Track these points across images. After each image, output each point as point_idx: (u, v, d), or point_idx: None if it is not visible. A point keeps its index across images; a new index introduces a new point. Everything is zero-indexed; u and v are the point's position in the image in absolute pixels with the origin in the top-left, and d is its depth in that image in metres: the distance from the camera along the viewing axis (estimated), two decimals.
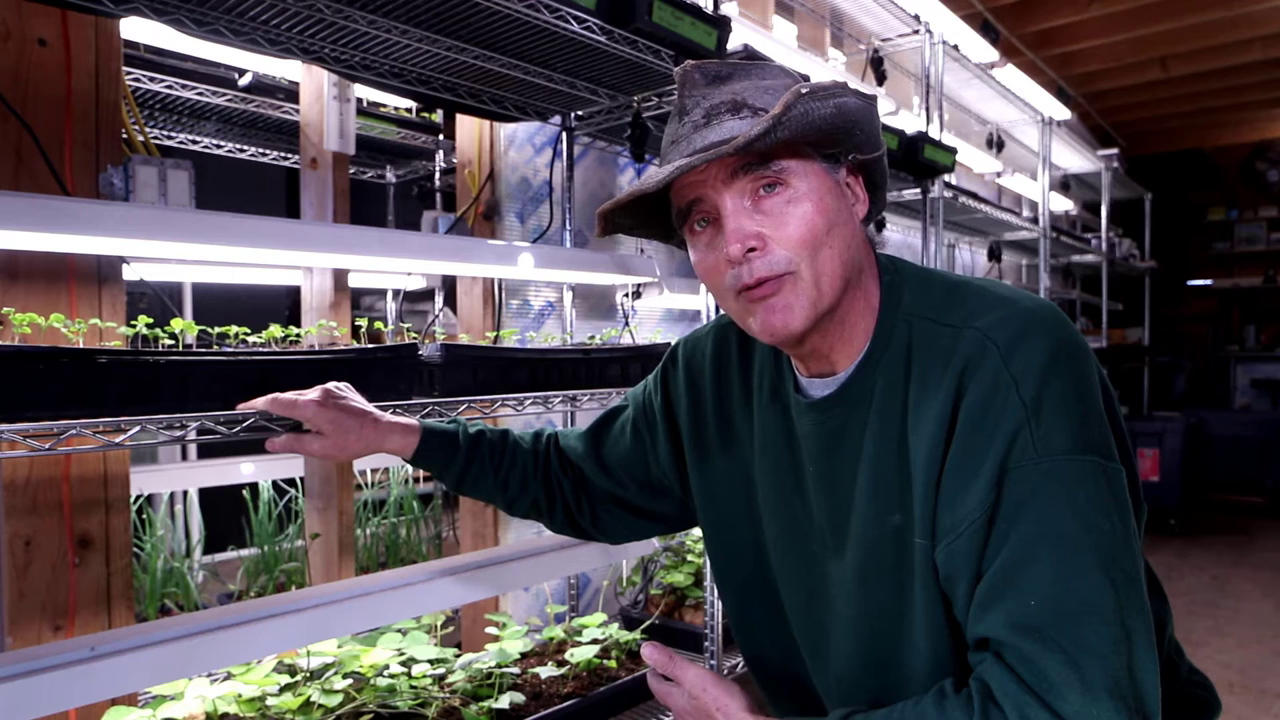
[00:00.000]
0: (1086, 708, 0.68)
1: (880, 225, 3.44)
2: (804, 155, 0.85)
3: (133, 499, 1.52)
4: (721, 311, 1.00)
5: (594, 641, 1.84)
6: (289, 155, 2.54)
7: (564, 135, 2.31)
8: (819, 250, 0.84)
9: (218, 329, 1.33)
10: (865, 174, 0.93)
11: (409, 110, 2.53)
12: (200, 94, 2.06)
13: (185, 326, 1.28)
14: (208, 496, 2.21)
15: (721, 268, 0.87)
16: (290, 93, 2.16)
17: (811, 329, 0.87)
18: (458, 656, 1.74)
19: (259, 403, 1.13)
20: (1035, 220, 4.48)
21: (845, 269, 0.87)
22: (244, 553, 2.10)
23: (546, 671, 1.72)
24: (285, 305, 2.78)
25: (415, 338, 1.71)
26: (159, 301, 1.86)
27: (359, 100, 2.22)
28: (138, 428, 1.08)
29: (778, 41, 2.54)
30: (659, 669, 0.91)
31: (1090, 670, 0.69)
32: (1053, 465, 0.75)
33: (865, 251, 0.92)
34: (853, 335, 0.91)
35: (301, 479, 2.08)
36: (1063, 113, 4.55)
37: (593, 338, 2.16)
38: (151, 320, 1.26)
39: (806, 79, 0.91)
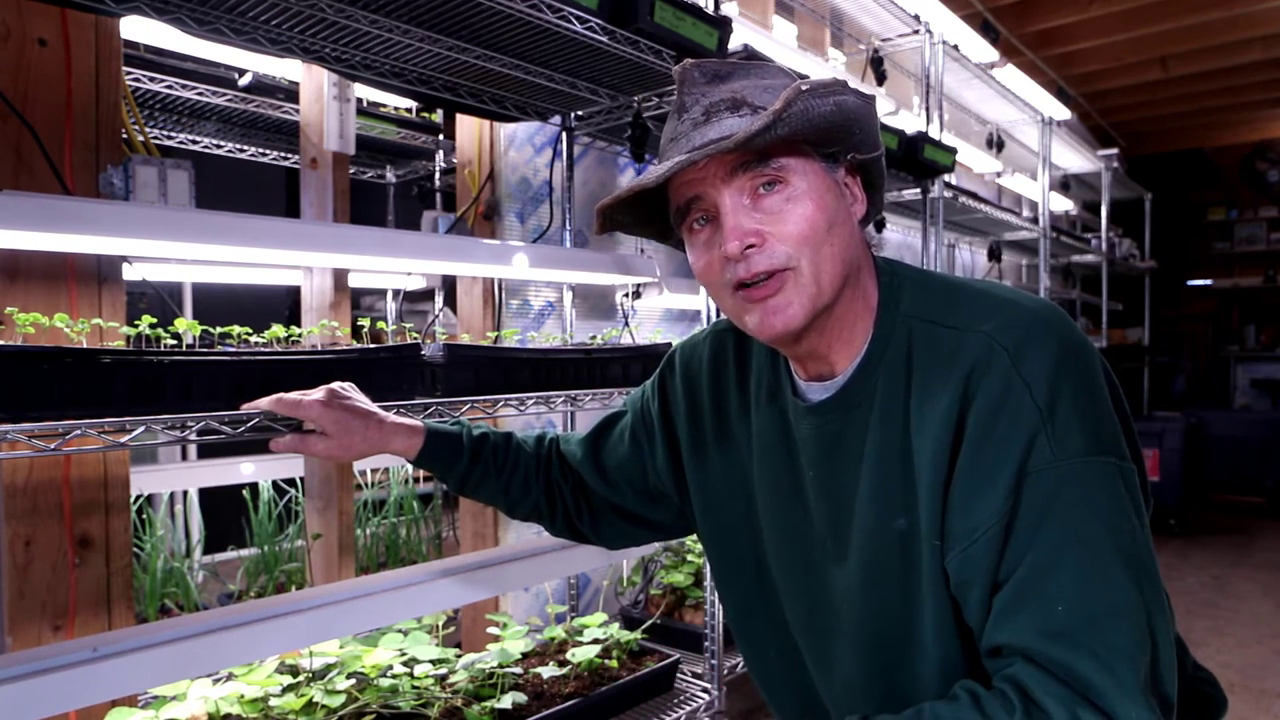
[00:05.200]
0: (1127, 710, 0.68)
1: (880, 225, 3.44)
2: (803, 153, 0.85)
3: (133, 499, 1.52)
4: (720, 315, 0.99)
5: (595, 641, 1.84)
6: (289, 155, 2.54)
7: (564, 135, 2.31)
8: (819, 247, 0.84)
9: (219, 329, 1.33)
10: (863, 174, 0.92)
11: (409, 110, 2.53)
12: (200, 94, 2.06)
13: (189, 326, 1.28)
14: (208, 496, 2.20)
15: (719, 265, 0.86)
16: (290, 93, 2.16)
17: (810, 327, 0.86)
18: (459, 656, 1.74)
19: (263, 403, 1.13)
20: (1035, 220, 4.48)
21: (844, 267, 0.87)
22: (244, 553, 2.10)
23: (548, 671, 1.72)
24: (285, 305, 2.78)
25: (416, 338, 1.71)
26: (158, 301, 1.86)
27: (359, 100, 2.22)
28: (142, 428, 1.08)
29: (778, 41, 2.54)
30: None
31: (1123, 673, 0.69)
32: (1071, 468, 0.75)
33: (863, 252, 0.92)
34: (852, 336, 0.90)
35: (301, 479, 2.08)
36: (1063, 113, 4.55)
37: (593, 338, 2.16)
38: (154, 320, 1.26)
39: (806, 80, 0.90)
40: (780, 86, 0.86)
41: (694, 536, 2.42)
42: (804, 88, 0.80)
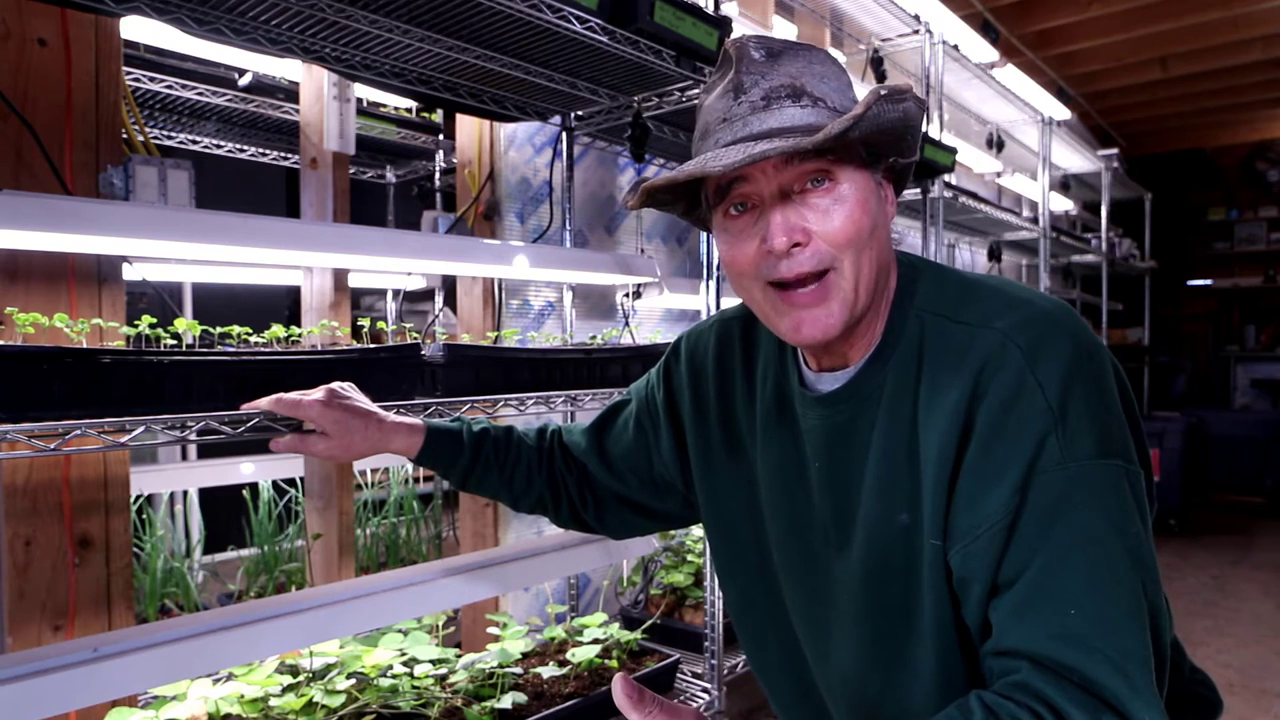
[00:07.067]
0: (1140, 712, 0.68)
1: None
2: (854, 153, 0.84)
3: (133, 499, 1.52)
4: (723, 306, 0.98)
5: (595, 641, 1.84)
6: (289, 155, 2.54)
7: (564, 135, 2.31)
8: (861, 251, 0.83)
9: (219, 329, 1.33)
10: (896, 177, 0.93)
11: (409, 110, 2.53)
12: (200, 94, 2.06)
13: (189, 326, 1.28)
14: (208, 496, 2.21)
15: (756, 257, 0.85)
16: (290, 93, 2.16)
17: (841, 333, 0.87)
18: (459, 656, 1.74)
19: (263, 403, 1.13)
20: (1035, 220, 4.48)
21: (879, 271, 0.86)
22: (244, 553, 2.10)
23: (548, 671, 1.72)
24: (285, 305, 2.78)
25: (416, 338, 1.71)
26: (158, 301, 1.86)
27: (359, 100, 2.22)
28: (142, 428, 1.08)
29: None
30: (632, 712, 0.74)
31: (1136, 677, 0.69)
32: (1080, 470, 0.75)
33: (890, 251, 0.92)
34: (872, 332, 0.90)
35: (301, 479, 2.08)
36: (1063, 113, 4.55)
37: (594, 338, 2.16)
38: (154, 320, 1.26)
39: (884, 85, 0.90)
40: (831, 74, 0.86)
41: (694, 535, 2.43)
42: (882, 93, 0.79)
